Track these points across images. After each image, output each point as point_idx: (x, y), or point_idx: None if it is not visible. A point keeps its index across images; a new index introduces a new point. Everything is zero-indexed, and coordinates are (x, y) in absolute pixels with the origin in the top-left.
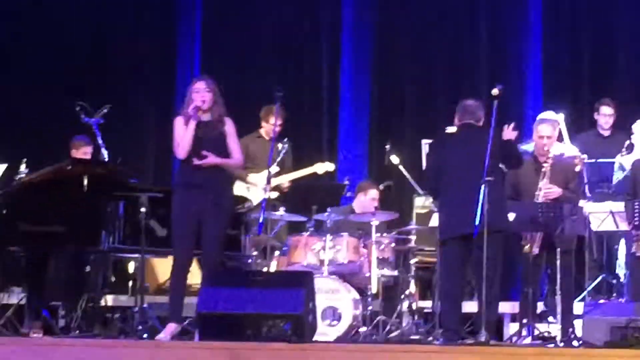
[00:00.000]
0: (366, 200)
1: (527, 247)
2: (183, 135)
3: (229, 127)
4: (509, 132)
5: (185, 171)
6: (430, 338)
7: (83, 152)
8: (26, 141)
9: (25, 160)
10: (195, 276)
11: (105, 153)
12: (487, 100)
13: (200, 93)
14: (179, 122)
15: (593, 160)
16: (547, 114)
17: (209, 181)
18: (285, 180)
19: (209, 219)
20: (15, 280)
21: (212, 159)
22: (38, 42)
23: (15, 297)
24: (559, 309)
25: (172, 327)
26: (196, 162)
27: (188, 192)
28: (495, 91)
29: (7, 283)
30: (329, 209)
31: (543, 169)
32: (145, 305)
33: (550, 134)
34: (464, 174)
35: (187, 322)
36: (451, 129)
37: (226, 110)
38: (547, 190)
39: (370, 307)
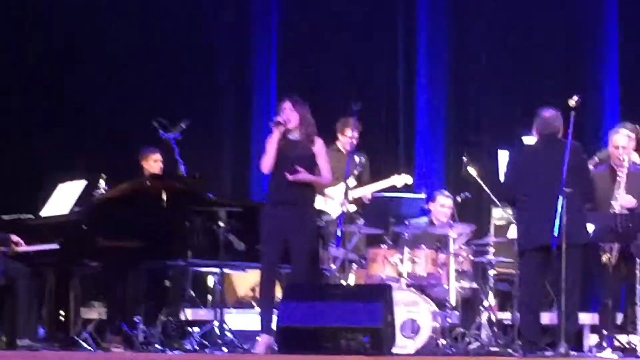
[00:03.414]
0: (436, 207)
1: (605, 257)
2: (267, 149)
3: (319, 147)
4: None
5: (272, 187)
6: (510, 350)
7: (153, 159)
8: (105, 157)
9: (104, 176)
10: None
11: (182, 168)
12: (564, 111)
13: (285, 112)
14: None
15: None
16: (624, 125)
17: (295, 198)
18: (363, 193)
19: (295, 235)
20: (95, 295)
21: (303, 175)
22: (117, 60)
23: (96, 311)
24: (638, 320)
25: (265, 339)
26: (289, 177)
27: (275, 208)
28: (572, 102)
29: (88, 298)
30: (406, 221)
31: (618, 179)
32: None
33: (625, 144)
34: (543, 185)
35: None
36: (529, 139)
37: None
38: (622, 200)
39: (449, 320)
